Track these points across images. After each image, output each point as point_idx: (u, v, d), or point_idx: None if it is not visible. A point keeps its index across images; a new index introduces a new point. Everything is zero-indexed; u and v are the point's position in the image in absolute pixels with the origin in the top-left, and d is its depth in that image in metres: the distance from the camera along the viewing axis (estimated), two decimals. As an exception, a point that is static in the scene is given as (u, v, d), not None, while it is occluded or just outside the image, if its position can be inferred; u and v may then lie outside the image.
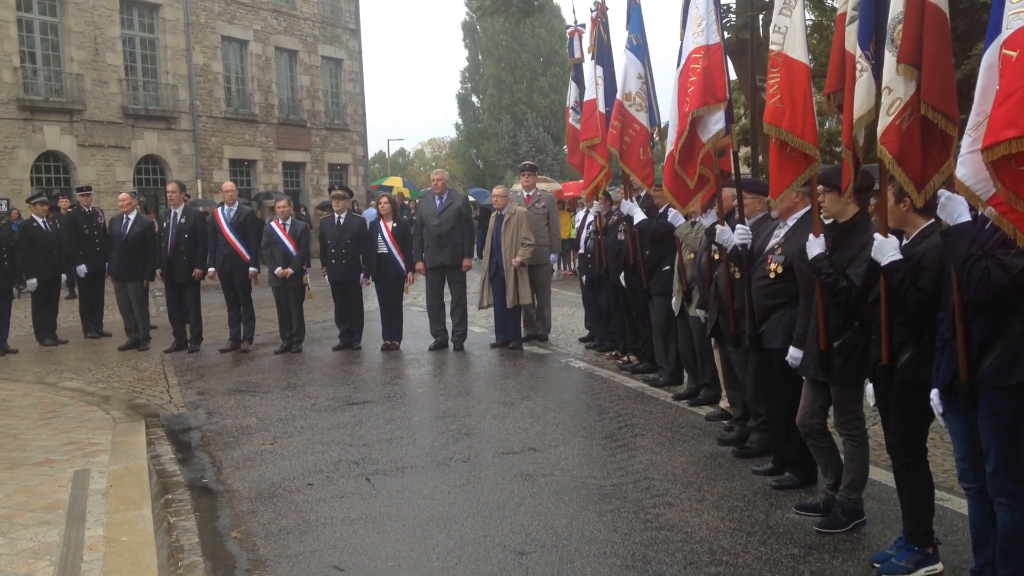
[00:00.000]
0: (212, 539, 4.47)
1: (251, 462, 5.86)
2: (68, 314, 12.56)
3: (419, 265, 10.01)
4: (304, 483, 5.33)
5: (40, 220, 11.20)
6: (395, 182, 29.62)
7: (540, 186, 11.40)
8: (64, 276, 11.52)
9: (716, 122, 5.64)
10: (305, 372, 9.03)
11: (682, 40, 5.93)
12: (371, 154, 39.73)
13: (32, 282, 10.98)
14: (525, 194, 10.49)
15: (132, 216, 10.73)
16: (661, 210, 7.38)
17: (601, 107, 8.38)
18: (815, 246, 4.23)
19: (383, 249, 9.98)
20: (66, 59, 22.60)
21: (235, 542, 4.42)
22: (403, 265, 10.00)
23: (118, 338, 11.22)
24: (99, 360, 10.11)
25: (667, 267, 7.30)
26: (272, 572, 4.02)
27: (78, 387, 8.52)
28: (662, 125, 7.51)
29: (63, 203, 14.45)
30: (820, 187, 4.35)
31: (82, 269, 11.41)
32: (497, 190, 10.07)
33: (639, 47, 7.51)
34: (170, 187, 10.61)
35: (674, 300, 7.01)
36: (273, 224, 10.18)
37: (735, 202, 5.39)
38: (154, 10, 25.04)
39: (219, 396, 8.03)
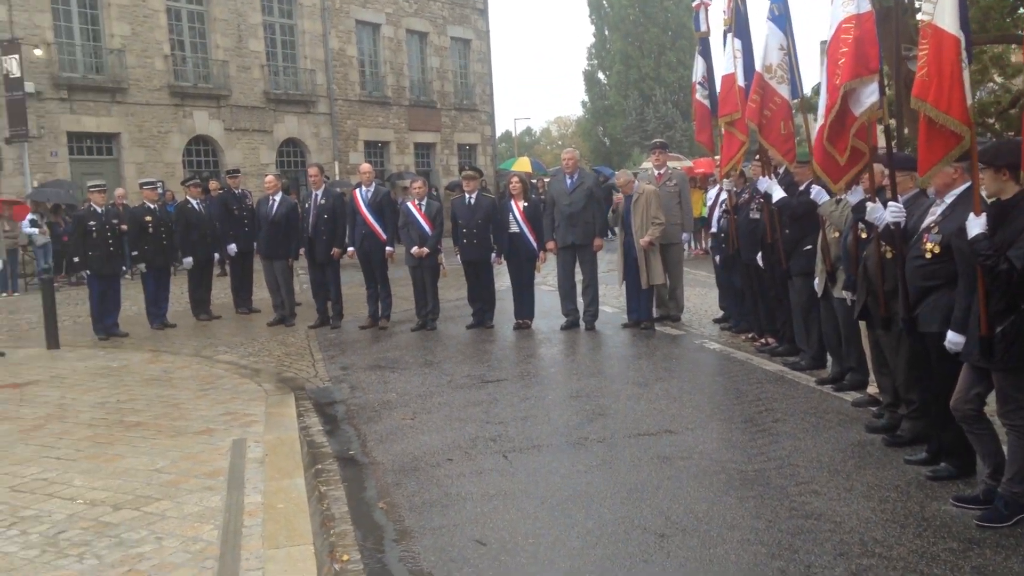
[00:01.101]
0: (360, 509, 4.65)
1: (393, 436, 6.06)
2: (220, 291, 13.24)
3: (550, 244, 10.06)
4: (444, 458, 5.47)
5: (194, 201, 11.84)
6: (523, 164, 29.72)
7: (671, 164, 11.22)
8: (216, 255, 12.15)
9: (869, 94, 5.41)
10: (441, 349, 9.24)
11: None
12: (498, 133, 40.05)
13: (188, 260, 11.64)
14: (656, 172, 10.36)
15: (277, 197, 11.19)
16: (802, 187, 7.15)
17: (740, 81, 8.16)
18: (975, 225, 4.02)
19: (515, 228, 10.06)
20: (212, 46, 23.71)
21: (382, 513, 4.59)
22: (535, 244, 10.06)
23: (266, 314, 11.79)
24: (249, 335, 10.64)
25: (808, 246, 7.07)
26: (418, 543, 4.15)
27: (231, 360, 8.98)
28: (806, 96, 7.25)
29: (212, 185, 15.22)
30: (980, 164, 4.12)
31: (232, 248, 12.01)
32: (621, 179, 9.91)
33: (781, 17, 7.26)
34: (312, 170, 11.01)
35: (817, 281, 6.80)
36: (409, 204, 10.42)
37: (885, 179, 5.16)
38: (293, -4, 25.91)
39: (361, 371, 8.32)
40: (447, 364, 8.45)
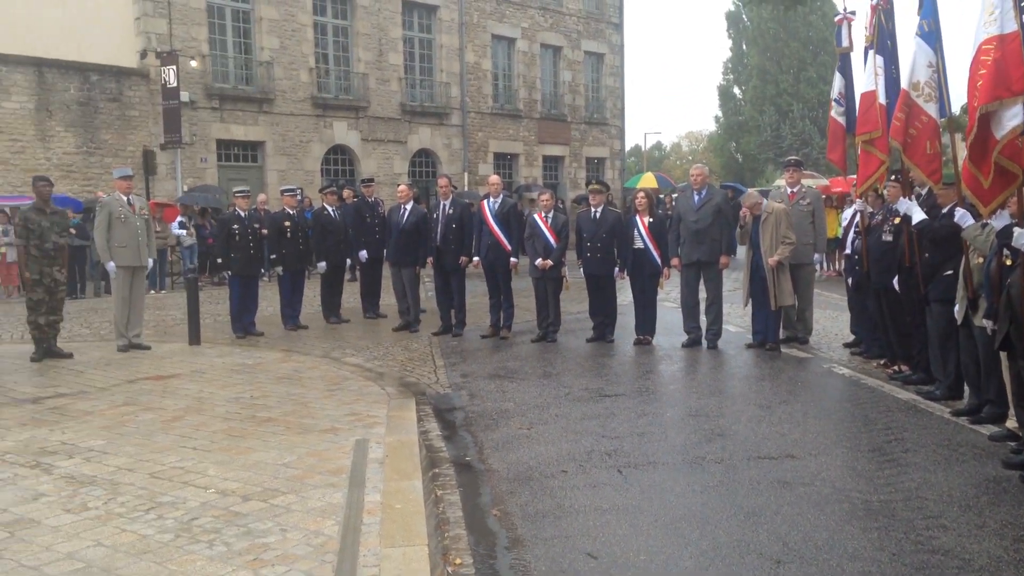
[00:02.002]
0: (474, 514, 4.72)
1: (509, 445, 6.12)
2: (350, 296, 13.70)
3: (675, 261, 9.95)
4: (558, 469, 5.49)
5: (330, 208, 12.31)
6: (648, 180, 29.50)
7: (806, 182, 10.92)
8: (348, 261, 12.58)
9: (1012, 117, 5.14)
10: (560, 362, 9.27)
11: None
12: (628, 147, 39.85)
13: (322, 265, 12.11)
14: (789, 190, 10.10)
15: (409, 206, 11.49)
16: (945, 210, 6.84)
17: (881, 98, 7.88)
18: None
19: (639, 244, 10.01)
20: (354, 59, 24.61)
21: (495, 520, 4.64)
22: (659, 260, 9.98)
23: (392, 319, 12.12)
24: (375, 339, 10.96)
25: (949, 271, 6.75)
26: (529, 552, 4.19)
27: (358, 363, 9.28)
28: (955, 116, 6.94)
29: (346, 193, 15.78)
30: None
31: (363, 254, 12.42)
32: (749, 201, 9.67)
33: (931, 33, 6.98)
34: (442, 181, 11.26)
35: (957, 308, 6.48)
36: (536, 216, 10.52)
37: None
38: (432, 11, 26.63)
39: (480, 379, 8.44)
40: (565, 376, 8.47)
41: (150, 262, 10.34)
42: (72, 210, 15.36)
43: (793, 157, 10.68)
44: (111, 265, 9.90)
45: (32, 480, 5.14)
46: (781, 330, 9.75)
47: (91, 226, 13.06)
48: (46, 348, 9.41)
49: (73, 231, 12.67)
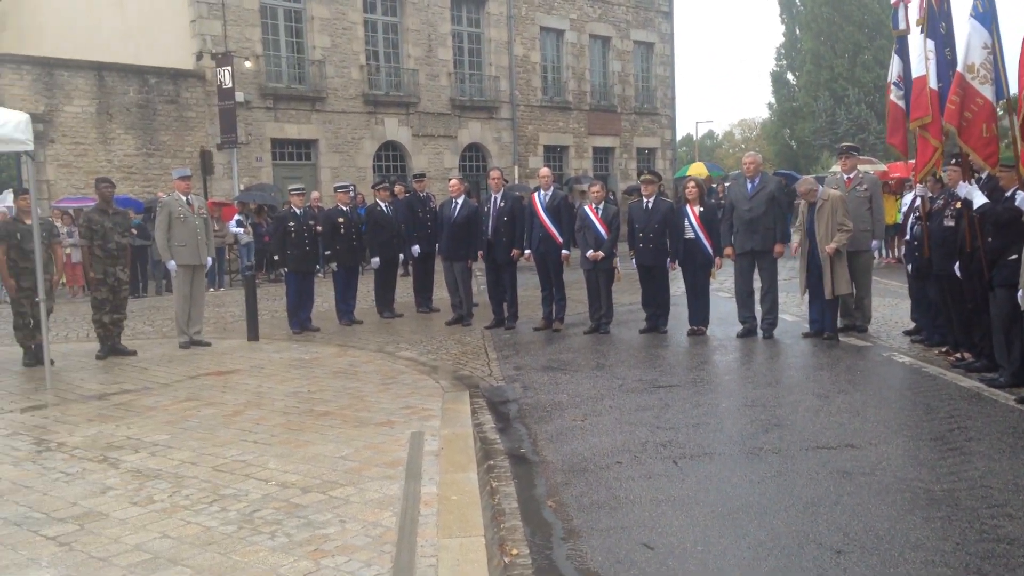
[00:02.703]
0: (530, 505, 4.74)
1: (563, 436, 6.13)
2: (402, 290, 13.82)
3: (728, 250, 9.85)
4: (613, 460, 5.49)
5: (383, 204, 12.43)
6: (698, 169, 29.21)
7: (862, 168, 10.71)
8: (401, 256, 12.69)
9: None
10: (613, 353, 9.25)
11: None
12: (679, 137, 39.47)
13: (375, 260, 12.24)
14: (845, 177, 9.92)
15: (460, 200, 11.54)
16: (1008, 193, 6.66)
17: (932, 83, 7.70)
18: None
19: (690, 234, 9.93)
20: (404, 56, 24.79)
21: (550, 511, 4.66)
22: (710, 250, 9.89)
23: (445, 313, 12.20)
24: (429, 333, 11.05)
25: (1013, 256, 6.58)
26: (585, 543, 4.20)
27: (412, 357, 9.36)
28: (1013, 97, 6.76)
29: (398, 189, 15.92)
30: None
31: (415, 249, 12.52)
32: (804, 187, 9.51)
33: (986, 14, 6.80)
34: (494, 173, 11.29)
35: (1021, 293, 6.31)
36: (586, 208, 10.50)
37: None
38: (480, 5, 26.69)
39: (533, 372, 8.46)
40: (619, 368, 8.45)
41: (209, 260, 10.56)
42: (133, 211, 15.75)
43: (847, 144, 10.49)
44: (172, 264, 10.13)
45: (100, 474, 5.30)
46: (839, 319, 9.60)
47: (152, 226, 13.38)
48: (111, 346, 9.67)
49: (135, 231, 12.99)
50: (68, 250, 15.80)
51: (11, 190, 15.69)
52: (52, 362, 8.50)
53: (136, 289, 16.28)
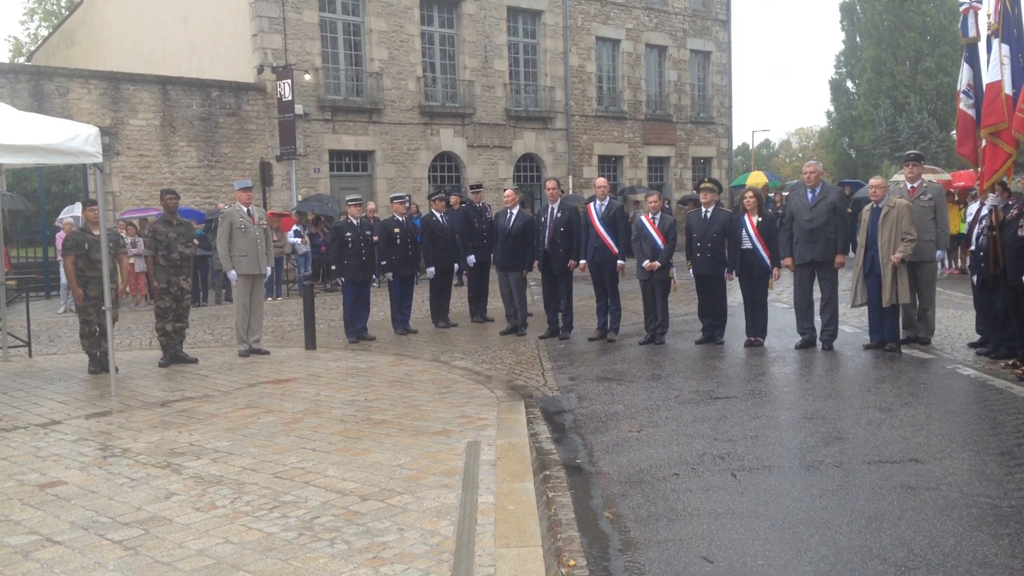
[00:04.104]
0: (586, 516, 4.72)
1: (619, 447, 6.09)
2: (457, 300, 13.89)
3: (787, 260, 9.72)
4: (670, 472, 5.43)
5: (438, 215, 12.52)
6: (757, 178, 28.84)
7: (926, 177, 10.49)
8: (456, 265, 12.76)
9: None
10: (668, 364, 9.17)
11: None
12: (735, 146, 39.04)
13: (431, 270, 12.32)
14: (909, 185, 9.72)
15: (515, 211, 11.57)
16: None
17: (1007, 89, 7.51)
18: None
19: (748, 244, 9.82)
20: (460, 67, 24.97)
21: (607, 522, 4.63)
22: (768, 260, 9.76)
23: (499, 323, 12.23)
24: (483, 343, 11.08)
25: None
26: (643, 555, 4.16)
27: (466, 366, 9.40)
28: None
29: (454, 199, 16.02)
30: None
31: (471, 259, 12.57)
32: (875, 180, 9.43)
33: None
34: (549, 183, 11.30)
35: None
36: (642, 218, 10.45)
37: None
38: (536, 16, 26.78)
39: (588, 382, 8.43)
40: (675, 379, 8.38)
41: (268, 270, 10.74)
42: (195, 221, 16.09)
43: (913, 151, 10.28)
44: (232, 273, 10.32)
45: (163, 480, 5.42)
46: (902, 330, 9.39)
47: (213, 236, 13.65)
48: (173, 353, 9.88)
49: (196, 241, 13.27)
50: (132, 260, 16.19)
51: (79, 201, 16.18)
52: (117, 369, 8.72)
53: (197, 298, 16.62)
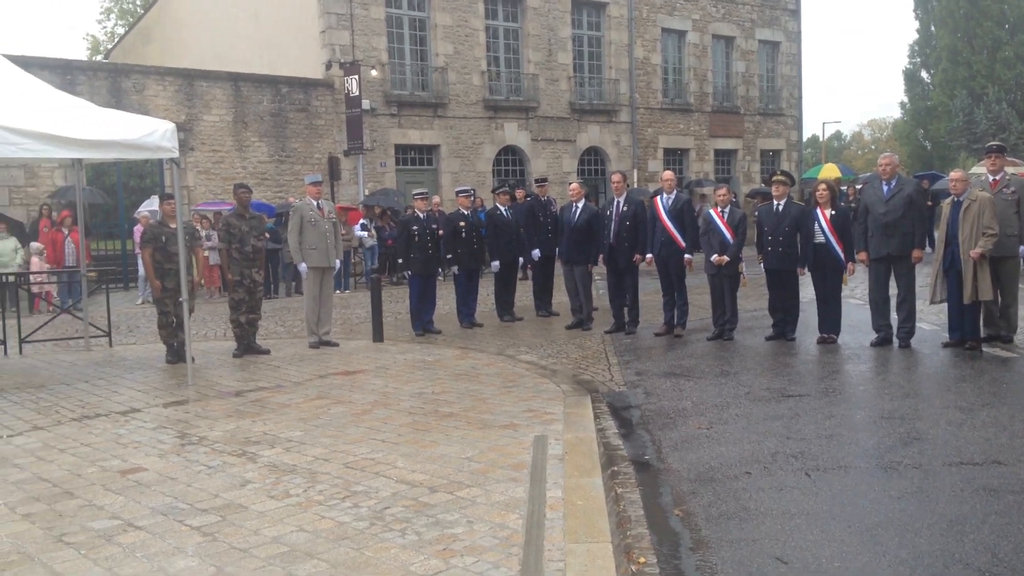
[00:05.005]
0: (655, 514, 4.67)
1: (688, 444, 6.02)
2: (522, 294, 13.89)
3: (861, 255, 9.48)
4: (742, 471, 5.35)
5: (503, 208, 12.54)
6: (830, 170, 28.20)
7: (1009, 170, 10.13)
8: (520, 259, 12.76)
9: None
10: (738, 360, 9.04)
11: None
12: (804, 138, 38.27)
13: (495, 264, 12.35)
14: (991, 178, 9.40)
15: (580, 204, 11.53)
16: None
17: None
18: None
19: (820, 238, 9.60)
20: (524, 61, 24.97)
21: (677, 519, 4.58)
22: (842, 255, 9.53)
23: (564, 317, 12.20)
24: (548, 337, 11.07)
25: None
26: (715, 554, 4.10)
27: (532, 360, 9.40)
28: None
29: (519, 193, 16.01)
30: None
31: (536, 253, 12.56)
32: (955, 174, 9.15)
33: None
34: (615, 177, 11.22)
35: None
36: (711, 211, 10.31)
37: None
38: (601, 8, 26.64)
39: (655, 378, 8.35)
40: (744, 375, 8.25)
41: (337, 263, 10.88)
42: (266, 215, 16.40)
43: (995, 143, 9.93)
44: (303, 266, 10.49)
45: (239, 468, 5.53)
46: (982, 328, 9.10)
47: (283, 230, 13.88)
48: (246, 345, 10.09)
49: (267, 235, 13.53)
50: (206, 253, 16.58)
51: (156, 195, 16.62)
52: (193, 359, 8.94)
53: (268, 291, 16.94)
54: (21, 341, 10.79)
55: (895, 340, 9.35)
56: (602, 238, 11.09)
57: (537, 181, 13.96)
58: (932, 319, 10.75)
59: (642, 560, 4.01)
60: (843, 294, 10.07)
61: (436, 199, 18.60)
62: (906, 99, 48.88)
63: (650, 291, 12.65)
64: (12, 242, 15.21)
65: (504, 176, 24.47)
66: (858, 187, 19.91)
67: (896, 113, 57.37)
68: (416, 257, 11.51)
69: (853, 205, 17.95)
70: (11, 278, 13.41)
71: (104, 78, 19.18)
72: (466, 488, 4.97)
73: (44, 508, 4.83)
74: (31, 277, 14.60)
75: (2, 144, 7.48)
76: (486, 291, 13.80)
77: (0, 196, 17.94)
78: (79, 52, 55.91)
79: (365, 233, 18.83)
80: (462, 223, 12.04)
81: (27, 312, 13.77)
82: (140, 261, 15.51)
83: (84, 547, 4.23)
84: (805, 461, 5.50)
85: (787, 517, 4.54)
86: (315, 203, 10.61)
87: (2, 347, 10.69)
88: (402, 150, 23.00)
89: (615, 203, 11.01)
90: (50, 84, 9.42)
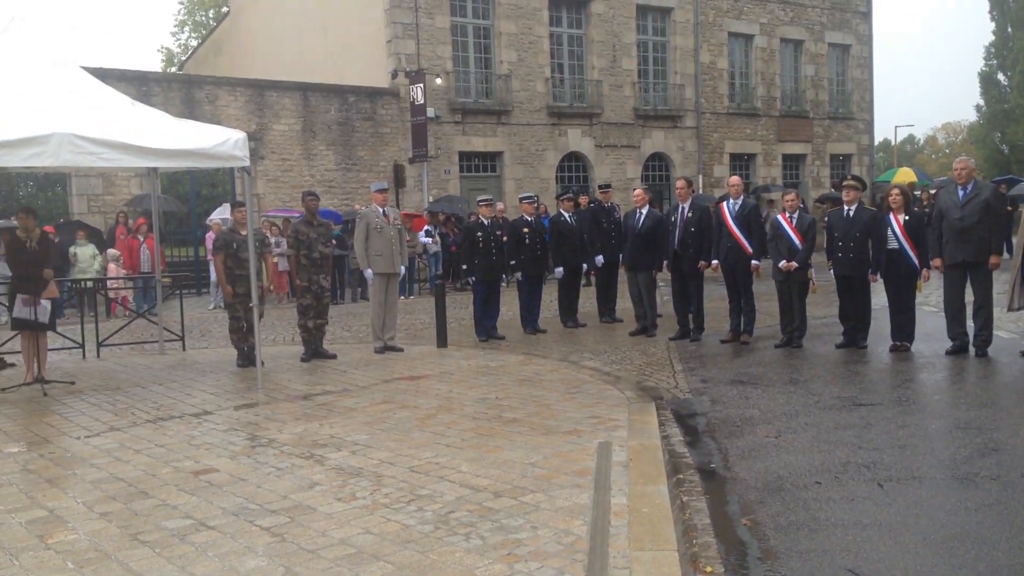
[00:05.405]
0: (722, 522, 4.61)
1: (756, 453, 5.93)
2: (585, 300, 13.85)
3: (936, 262, 9.22)
4: (812, 480, 5.24)
5: (567, 215, 12.52)
6: (905, 175, 27.46)
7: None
8: (584, 265, 12.73)
9: None
10: (807, 368, 8.86)
11: None
12: (875, 142, 37.38)
13: (559, 270, 12.34)
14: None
15: (644, 211, 11.45)
16: None
17: None
18: None
19: (893, 244, 9.37)
20: (588, 67, 24.94)
21: (745, 529, 4.51)
22: (916, 261, 9.29)
23: (628, 324, 12.12)
24: (612, 343, 11.01)
25: None
26: (784, 565, 4.03)
27: (595, 367, 9.35)
28: None
29: (582, 199, 15.98)
30: None
31: (599, 259, 12.52)
32: None
33: None
34: (679, 183, 11.13)
35: None
36: (779, 217, 10.15)
37: None
38: (666, 14, 26.47)
39: (721, 385, 8.24)
40: (814, 383, 8.09)
41: (403, 269, 11.00)
42: (333, 222, 16.66)
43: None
44: (369, 272, 10.62)
45: (307, 470, 5.62)
46: (1064, 337, 8.78)
47: (350, 236, 14.08)
48: (314, 349, 10.26)
49: (334, 241, 13.74)
50: (275, 259, 16.92)
51: (227, 203, 17.02)
52: (263, 363, 9.12)
53: (334, 296, 17.19)
54: (99, 344, 11.16)
55: (971, 348, 9.06)
56: (666, 244, 11.00)
57: (601, 187, 13.91)
58: (1010, 327, 10.40)
59: (709, 569, 3.95)
60: (917, 301, 9.80)
61: (500, 206, 18.68)
62: (982, 102, 47.43)
63: (715, 298, 12.50)
64: (90, 249, 15.73)
65: (567, 182, 24.45)
66: (932, 192, 19.37)
67: (971, 116, 55.68)
68: (480, 263, 11.56)
69: (927, 210, 17.50)
70: (90, 284, 13.88)
71: (178, 89, 19.74)
72: (530, 493, 4.97)
73: (120, 507, 4.97)
74: (109, 283, 15.08)
75: (82, 153, 7.75)
76: (549, 297, 13.79)
77: (79, 204, 18.58)
78: (154, 64, 57.64)
79: (429, 239, 18.99)
80: (526, 229, 12.06)
81: (104, 316, 14.22)
82: (212, 267, 15.91)
83: (158, 546, 4.34)
84: (877, 471, 5.36)
85: (859, 528, 4.44)
86: (381, 210, 10.74)
87: (81, 350, 11.06)
88: (466, 157, 23.14)
89: (680, 209, 10.91)
90: (127, 95, 9.71)
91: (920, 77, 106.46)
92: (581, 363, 9.59)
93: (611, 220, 12.75)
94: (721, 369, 9.06)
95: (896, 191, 9.63)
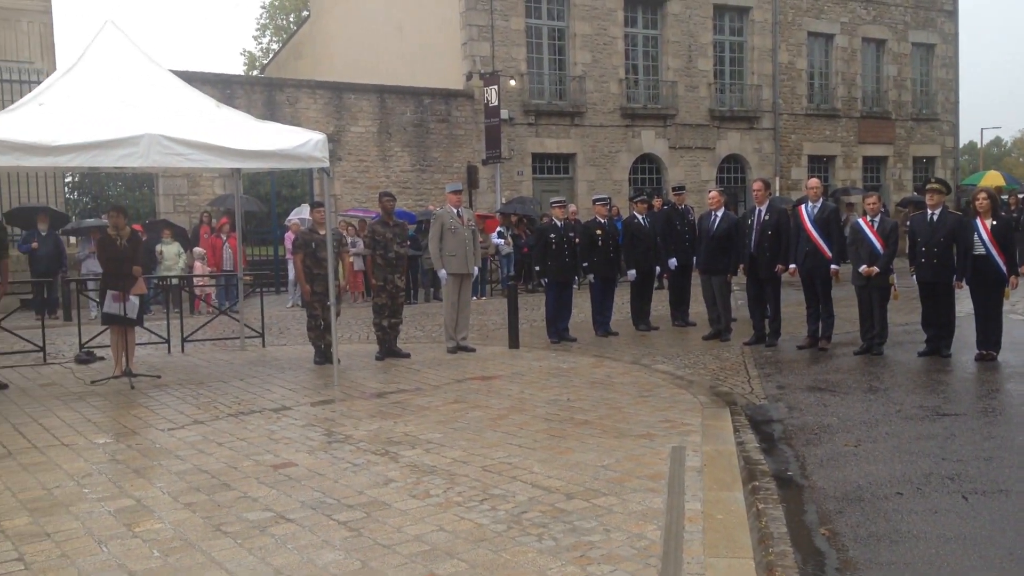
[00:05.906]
0: (799, 532, 4.54)
1: (834, 462, 5.81)
2: (658, 303, 13.74)
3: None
4: (892, 491, 5.12)
5: (640, 217, 12.45)
6: (992, 178, 26.54)
7: None
8: (657, 268, 12.63)
9: None
10: (887, 376, 8.65)
11: None
12: (960, 144, 36.22)
13: (632, 273, 12.27)
14: None
15: (719, 213, 11.32)
16: None
17: None
18: None
19: (980, 250, 9.06)
20: (663, 68, 24.73)
21: (823, 539, 4.43)
22: (1004, 268, 8.97)
23: (702, 328, 11.99)
24: (684, 347, 10.91)
25: None
26: (863, 576, 3.95)
27: (668, 370, 9.28)
28: None
29: (656, 202, 15.87)
30: None
31: (673, 262, 12.41)
32: None
33: None
34: (756, 185, 10.96)
35: None
36: (860, 220, 9.92)
37: None
38: (744, 13, 26.09)
39: (798, 392, 8.10)
40: (895, 392, 7.88)
41: (476, 270, 11.08)
42: (408, 222, 16.87)
43: None
44: (443, 272, 10.73)
45: (382, 467, 5.71)
46: None
47: (424, 237, 14.23)
48: (388, 348, 10.41)
49: (409, 242, 13.91)
50: (352, 258, 17.21)
51: (306, 203, 17.38)
52: (339, 361, 9.29)
53: (409, 296, 17.39)
54: (183, 340, 11.51)
55: (1063, 359, 8.73)
56: (742, 247, 10.85)
57: (674, 189, 13.79)
58: (1106, 337, 9.98)
59: (785, 578, 3.90)
60: (1004, 309, 9.48)
61: (573, 207, 18.64)
62: (1076, 101, 45.53)
63: (792, 302, 12.27)
64: (176, 247, 16.23)
65: (640, 184, 24.28)
66: (1021, 196, 18.69)
67: (1065, 117, 53.45)
68: (553, 265, 11.58)
69: (1015, 215, 16.89)
70: (175, 281, 14.32)
71: (260, 91, 20.22)
72: (602, 496, 4.97)
73: (204, 498, 5.13)
74: (193, 280, 15.54)
75: (170, 154, 8.02)
76: (622, 300, 13.72)
77: (165, 204, 19.18)
78: (236, 67, 59.17)
79: (502, 241, 19.08)
80: (599, 231, 12.03)
81: (188, 313, 14.67)
82: (291, 266, 16.27)
83: (240, 537, 4.47)
84: (962, 483, 5.21)
85: (942, 541, 4.32)
86: (455, 211, 10.84)
87: (166, 345, 11.43)
88: (539, 159, 23.17)
89: (756, 212, 10.74)
90: (211, 97, 10.00)
91: (1008, 78, 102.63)
92: (653, 366, 9.53)
93: (685, 222, 12.63)
94: (798, 375, 8.91)
95: (983, 195, 9.33)
